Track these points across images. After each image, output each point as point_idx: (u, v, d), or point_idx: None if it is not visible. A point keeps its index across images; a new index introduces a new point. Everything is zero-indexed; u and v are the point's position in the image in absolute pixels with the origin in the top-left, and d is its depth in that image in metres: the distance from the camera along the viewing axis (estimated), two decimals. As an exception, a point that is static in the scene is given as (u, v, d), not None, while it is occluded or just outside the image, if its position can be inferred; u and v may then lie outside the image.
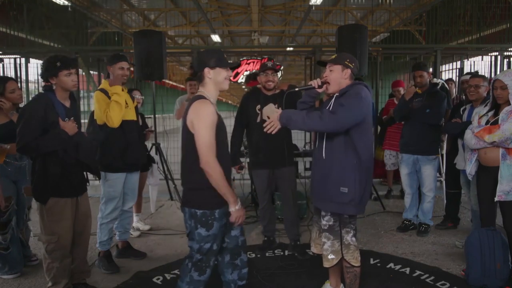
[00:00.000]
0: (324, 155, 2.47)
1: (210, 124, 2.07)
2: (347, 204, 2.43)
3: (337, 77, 2.47)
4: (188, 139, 2.12)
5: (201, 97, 2.15)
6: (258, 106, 3.45)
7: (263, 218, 3.70)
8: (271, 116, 2.40)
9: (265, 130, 2.39)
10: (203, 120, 2.06)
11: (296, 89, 2.78)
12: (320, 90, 2.53)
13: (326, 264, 2.56)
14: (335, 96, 2.50)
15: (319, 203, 2.57)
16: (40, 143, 2.49)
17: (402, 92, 5.13)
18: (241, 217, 2.18)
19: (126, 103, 3.30)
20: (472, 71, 6.13)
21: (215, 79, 2.18)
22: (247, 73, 7.67)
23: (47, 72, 2.59)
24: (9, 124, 3.06)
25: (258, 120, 3.44)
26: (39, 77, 2.77)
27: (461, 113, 3.69)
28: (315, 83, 2.51)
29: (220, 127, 2.15)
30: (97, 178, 3.14)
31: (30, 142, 2.48)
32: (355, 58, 2.58)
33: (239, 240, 2.33)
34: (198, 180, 2.11)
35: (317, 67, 6.05)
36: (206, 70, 2.16)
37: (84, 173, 2.82)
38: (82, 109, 3.00)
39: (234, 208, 2.14)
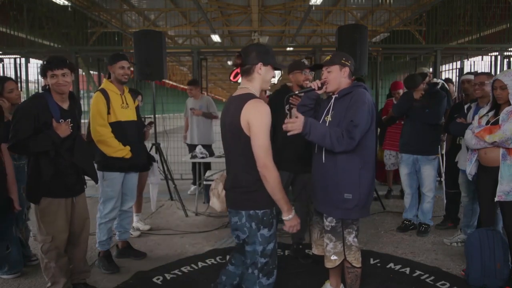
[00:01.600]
0: (324, 159, 2.45)
1: (268, 126, 1.96)
2: (352, 209, 2.42)
3: (336, 76, 2.47)
4: (243, 140, 1.98)
5: (253, 95, 2.01)
6: (287, 106, 3.19)
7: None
8: (295, 121, 2.26)
9: (283, 126, 2.26)
10: (262, 121, 1.94)
11: (297, 92, 2.76)
12: (320, 92, 2.53)
13: (328, 265, 2.56)
14: (334, 97, 2.50)
15: (322, 207, 2.54)
16: (30, 143, 2.48)
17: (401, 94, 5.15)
18: (296, 226, 2.07)
19: (127, 103, 3.30)
20: (472, 71, 6.13)
21: (264, 77, 2.06)
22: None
23: (40, 73, 2.60)
24: (7, 124, 3.06)
25: (286, 121, 3.35)
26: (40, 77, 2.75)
27: (466, 111, 3.64)
28: (315, 85, 2.50)
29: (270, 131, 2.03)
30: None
31: (21, 141, 2.47)
32: (351, 56, 2.57)
33: None
34: (254, 182, 2.00)
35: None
36: (259, 65, 2.03)
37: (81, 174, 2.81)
38: (82, 109, 2.98)
39: (288, 217, 2.04)
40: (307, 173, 3.28)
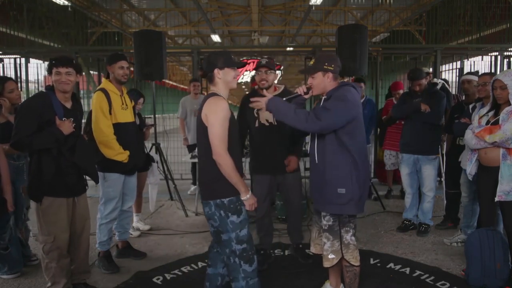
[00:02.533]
0: (316, 158, 2.51)
1: (223, 118, 2.17)
2: (346, 204, 2.44)
3: (320, 82, 2.51)
4: (203, 133, 2.20)
5: (215, 94, 2.26)
6: (256, 110, 3.19)
7: (260, 229, 3.43)
8: (262, 99, 2.45)
9: (250, 105, 2.51)
10: (216, 114, 2.16)
11: (284, 99, 2.77)
12: (306, 96, 2.58)
13: (326, 264, 2.57)
14: (323, 98, 2.54)
15: (319, 205, 2.58)
16: (33, 140, 2.49)
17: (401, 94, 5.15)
18: (254, 204, 2.26)
19: (126, 104, 3.30)
20: (472, 71, 6.12)
21: (225, 79, 2.28)
22: (247, 73, 7.67)
23: (47, 71, 2.61)
24: (6, 124, 3.06)
25: (257, 124, 3.26)
26: (46, 75, 2.77)
27: (470, 111, 3.60)
28: (300, 90, 2.57)
29: (232, 121, 2.24)
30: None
31: (24, 138, 2.48)
32: (334, 57, 2.58)
33: None
34: (217, 171, 2.18)
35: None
36: (216, 71, 2.26)
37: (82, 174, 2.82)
38: (82, 110, 2.99)
39: (246, 197, 2.22)
40: (291, 173, 3.28)
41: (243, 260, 2.20)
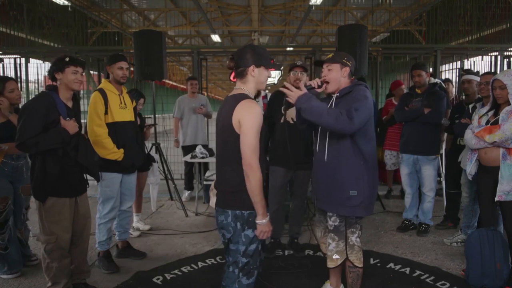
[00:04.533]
0: (326, 158, 2.47)
1: (258, 127, 1.98)
2: (357, 206, 2.43)
3: (336, 75, 2.47)
4: (233, 139, 1.99)
5: (247, 96, 2.04)
6: (283, 107, 3.37)
7: (273, 220, 3.59)
8: (294, 91, 2.29)
9: (280, 88, 2.34)
10: (252, 122, 1.95)
11: None
12: (319, 90, 2.52)
13: (330, 264, 2.55)
14: (335, 96, 2.50)
15: (326, 205, 2.54)
16: (40, 140, 2.49)
17: (404, 90, 5.15)
18: (267, 232, 2.06)
19: (125, 104, 3.30)
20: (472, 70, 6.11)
21: (258, 78, 2.08)
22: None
23: (55, 66, 2.61)
24: (6, 124, 3.06)
25: (282, 121, 3.40)
26: (46, 75, 2.78)
27: (471, 112, 3.59)
28: (314, 83, 2.49)
29: (262, 131, 2.05)
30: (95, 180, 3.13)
31: (30, 139, 2.48)
32: (352, 57, 2.58)
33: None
34: (241, 181, 1.99)
35: (317, 67, 6.05)
36: (252, 67, 2.04)
37: (84, 174, 2.82)
38: (81, 109, 2.98)
39: (261, 222, 2.02)
40: (303, 171, 3.42)
41: (243, 272, 2.10)
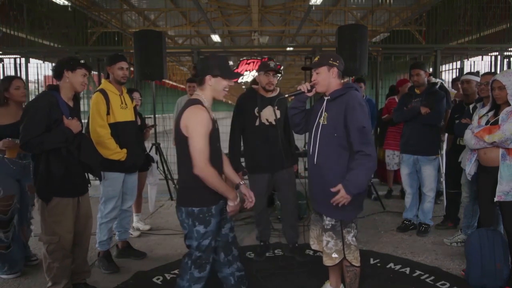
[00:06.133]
0: (315, 161, 2.49)
1: (204, 132, 2.11)
2: (350, 210, 2.45)
3: (325, 77, 2.48)
4: (183, 141, 2.15)
5: (197, 101, 2.19)
6: (256, 109, 3.30)
7: (259, 223, 3.57)
8: (341, 194, 2.33)
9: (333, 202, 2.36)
10: (197, 128, 2.10)
11: (286, 95, 2.76)
12: (309, 94, 2.53)
13: (328, 263, 2.55)
14: (326, 99, 2.50)
15: (320, 208, 2.57)
16: (44, 140, 2.50)
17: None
18: (235, 211, 2.26)
19: (126, 104, 3.30)
20: (473, 71, 6.12)
21: (215, 88, 2.22)
22: (248, 73, 7.67)
23: (66, 64, 2.63)
24: (15, 125, 3.06)
25: (257, 123, 3.31)
26: (46, 75, 2.81)
27: (471, 112, 3.60)
28: (304, 87, 2.51)
29: (213, 134, 2.18)
30: (97, 179, 3.14)
31: (34, 138, 2.48)
32: (340, 56, 2.58)
33: (229, 237, 2.40)
34: (193, 179, 2.13)
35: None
36: (208, 77, 2.19)
37: (85, 173, 2.83)
38: (82, 109, 2.98)
39: (233, 203, 2.22)
40: (285, 169, 3.37)
41: (195, 265, 2.24)
